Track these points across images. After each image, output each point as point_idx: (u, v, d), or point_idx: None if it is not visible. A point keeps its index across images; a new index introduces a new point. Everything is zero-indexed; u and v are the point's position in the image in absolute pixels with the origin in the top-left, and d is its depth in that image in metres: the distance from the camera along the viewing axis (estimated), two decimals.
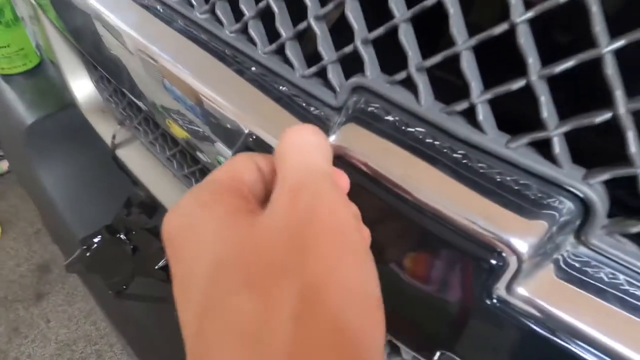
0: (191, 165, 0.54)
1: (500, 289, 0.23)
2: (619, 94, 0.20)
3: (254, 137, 0.31)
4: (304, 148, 0.22)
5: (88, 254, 0.57)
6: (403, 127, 0.26)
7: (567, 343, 0.22)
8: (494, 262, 0.22)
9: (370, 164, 0.25)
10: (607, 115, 0.21)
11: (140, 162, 0.61)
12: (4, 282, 1.62)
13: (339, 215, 0.20)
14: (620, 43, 0.19)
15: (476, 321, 0.24)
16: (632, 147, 0.21)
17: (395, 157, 0.25)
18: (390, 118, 0.27)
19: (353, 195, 0.24)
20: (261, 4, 0.32)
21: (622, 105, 0.20)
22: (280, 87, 0.32)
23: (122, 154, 0.62)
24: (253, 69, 0.34)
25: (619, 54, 0.20)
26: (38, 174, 0.69)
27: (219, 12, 0.35)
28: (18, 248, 1.71)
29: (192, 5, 0.38)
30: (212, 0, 0.36)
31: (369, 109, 0.27)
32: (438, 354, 0.27)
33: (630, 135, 0.20)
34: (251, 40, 0.34)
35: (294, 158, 0.22)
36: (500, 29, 0.22)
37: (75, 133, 0.72)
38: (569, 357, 0.22)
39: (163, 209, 0.58)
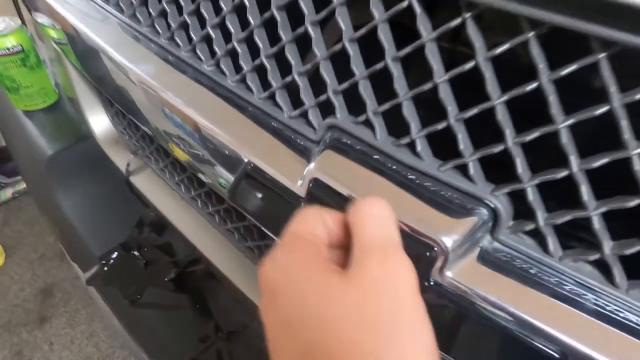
0: (197, 189, 0.63)
1: (434, 273, 0.31)
2: (508, 132, 0.29)
3: (252, 165, 0.40)
4: (381, 220, 0.26)
5: (106, 269, 0.65)
6: (365, 155, 0.35)
7: (483, 311, 0.30)
8: (428, 253, 0.31)
9: (340, 183, 0.34)
10: (501, 147, 0.30)
11: (152, 187, 0.70)
12: (8, 306, 1.66)
13: (415, 294, 0.24)
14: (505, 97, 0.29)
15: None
16: (519, 169, 0.29)
17: (359, 175, 0.34)
18: (356, 148, 0.36)
19: (327, 204, 0.33)
20: (256, 62, 0.41)
21: (510, 139, 0.29)
22: (273, 124, 0.41)
23: (135, 180, 0.71)
24: (250, 109, 0.43)
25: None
26: (58, 200, 0.77)
27: (222, 66, 0.45)
28: (22, 273, 1.76)
29: (200, 59, 0.47)
30: (217, 56, 0.45)
31: (341, 141, 0.36)
32: None
33: (519, 162, 0.29)
34: (249, 88, 0.43)
35: (374, 228, 0.26)
36: (427, 86, 0.31)
37: (91, 163, 0.81)
38: (486, 320, 0.30)
39: (171, 227, 0.66)
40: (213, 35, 0.45)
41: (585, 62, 0.25)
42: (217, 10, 0.43)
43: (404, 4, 0.30)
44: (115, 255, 0.66)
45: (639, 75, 0.24)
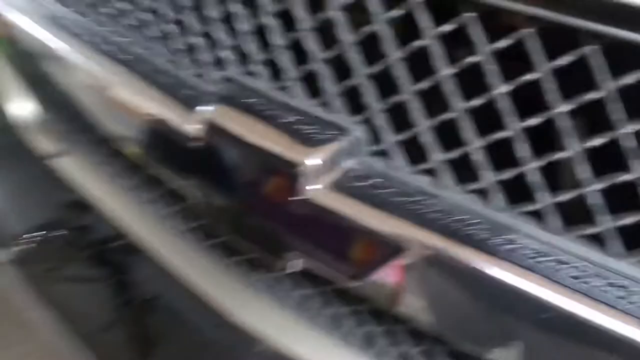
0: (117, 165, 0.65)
1: (303, 189, 0.37)
2: (357, 68, 0.36)
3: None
4: None
5: (27, 247, 0.65)
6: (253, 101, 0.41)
7: (339, 217, 0.36)
8: (297, 170, 0.36)
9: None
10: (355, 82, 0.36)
11: (75, 169, 0.72)
12: None
13: None
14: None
15: (296, 213, 0.38)
16: (369, 98, 0.36)
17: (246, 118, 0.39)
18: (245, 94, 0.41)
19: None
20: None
21: (361, 75, 0.36)
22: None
23: (58, 164, 0.72)
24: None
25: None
26: None
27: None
28: None
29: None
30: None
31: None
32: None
33: (369, 93, 0.36)
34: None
35: None
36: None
37: (4, 152, 0.81)
38: (341, 225, 0.36)
39: (94, 206, 0.68)
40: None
41: None
42: None
43: None
44: (36, 234, 0.66)
45: None
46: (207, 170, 0.43)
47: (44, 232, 0.68)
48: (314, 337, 0.52)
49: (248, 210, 0.42)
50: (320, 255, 0.39)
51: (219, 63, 0.44)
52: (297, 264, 0.42)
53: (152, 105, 0.46)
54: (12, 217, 0.73)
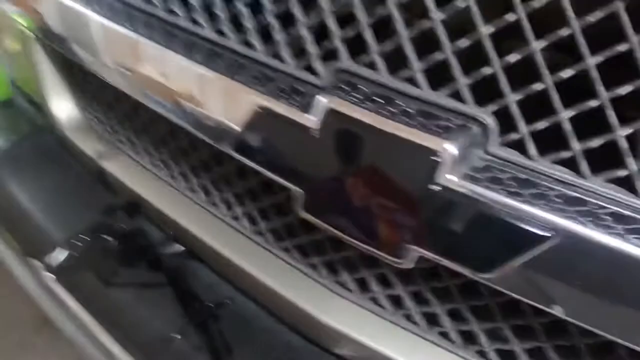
0: (179, 165, 0.63)
1: (441, 177, 0.36)
2: (494, 59, 0.36)
3: (263, 108, 0.44)
4: None
5: (76, 254, 0.62)
6: (373, 91, 0.40)
7: (472, 206, 0.35)
8: (435, 158, 0.36)
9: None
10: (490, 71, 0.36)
11: (126, 170, 0.69)
12: None
13: None
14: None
15: (425, 204, 0.37)
16: (504, 87, 0.36)
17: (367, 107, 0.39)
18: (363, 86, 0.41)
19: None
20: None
21: (497, 64, 0.36)
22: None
23: (108, 165, 0.70)
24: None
25: None
26: (11, 191, 0.72)
27: (225, 29, 0.49)
28: None
29: (202, 26, 0.51)
30: (219, 21, 0.49)
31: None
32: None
33: (503, 82, 0.36)
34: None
35: None
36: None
37: (49, 154, 0.78)
38: (479, 216, 0.35)
39: (148, 207, 0.65)
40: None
41: None
42: None
43: None
44: (84, 239, 0.63)
45: None
46: (320, 163, 0.42)
47: (94, 236, 0.65)
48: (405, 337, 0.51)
49: (367, 203, 0.41)
50: (449, 249, 0.39)
51: (329, 56, 0.44)
52: (415, 258, 0.41)
53: (251, 95, 0.45)
54: (60, 221, 0.69)
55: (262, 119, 0.45)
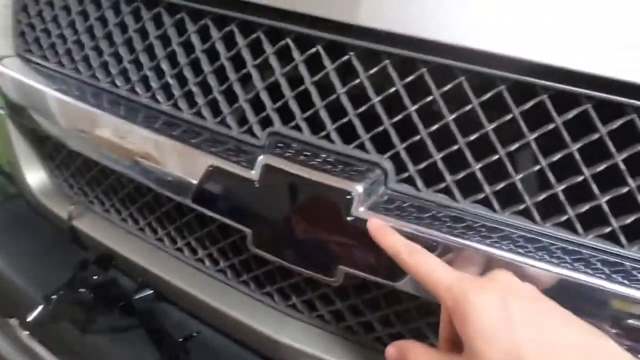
0: (145, 218, 0.72)
1: (354, 210, 0.48)
2: (385, 120, 0.49)
3: (213, 167, 0.55)
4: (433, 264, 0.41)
5: (51, 307, 0.68)
6: (298, 149, 0.52)
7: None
8: (348, 197, 0.48)
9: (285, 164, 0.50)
10: (381, 128, 0.49)
11: (97, 227, 0.77)
12: None
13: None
14: None
15: (345, 232, 0.48)
16: (394, 138, 0.49)
17: (295, 160, 0.51)
18: (291, 145, 0.53)
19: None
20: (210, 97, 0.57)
21: (387, 123, 0.49)
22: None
23: (79, 224, 0.77)
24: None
25: None
26: None
27: (180, 104, 0.60)
28: None
29: (158, 101, 0.62)
30: (175, 97, 0.60)
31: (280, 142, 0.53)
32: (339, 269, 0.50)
33: (393, 135, 0.49)
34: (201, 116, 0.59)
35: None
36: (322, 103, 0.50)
37: (21, 219, 0.84)
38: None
39: (121, 259, 0.73)
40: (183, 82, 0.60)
41: None
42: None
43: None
44: (60, 293, 0.69)
45: None
46: (262, 207, 0.53)
47: (69, 289, 0.71)
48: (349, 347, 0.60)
49: (301, 235, 0.52)
50: (365, 264, 0.50)
51: (263, 122, 0.56)
52: (342, 274, 0.52)
53: (205, 156, 0.56)
54: (36, 280, 0.75)
55: (215, 175, 0.55)
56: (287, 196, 0.51)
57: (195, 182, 0.57)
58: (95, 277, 0.74)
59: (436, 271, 0.40)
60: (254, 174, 0.52)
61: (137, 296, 0.73)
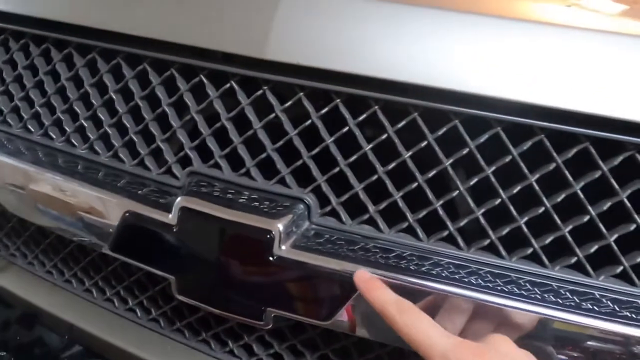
0: (71, 269, 0.67)
1: (276, 249, 0.46)
2: (303, 153, 0.48)
3: (129, 212, 0.51)
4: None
5: None
6: (217, 187, 0.50)
7: (303, 268, 0.45)
8: (269, 236, 0.45)
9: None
10: (300, 162, 0.48)
11: (18, 282, 0.71)
12: None
13: None
14: None
15: (269, 273, 0.46)
16: (314, 172, 0.48)
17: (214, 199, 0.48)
18: (211, 184, 0.50)
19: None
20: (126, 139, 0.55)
21: (305, 156, 0.48)
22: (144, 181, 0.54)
23: (0, 280, 0.71)
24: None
25: None
26: None
27: (96, 147, 0.57)
28: None
29: (74, 145, 0.58)
30: (90, 141, 0.57)
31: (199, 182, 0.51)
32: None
33: (313, 170, 0.48)
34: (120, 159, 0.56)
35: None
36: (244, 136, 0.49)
37: None
38: (309, 275, 0.45)
39: (45, 315, 0.68)
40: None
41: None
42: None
43: None
44: None
45: None
46: (183, 251, 0.50)
47: None
48: None
49: (224, 279, 0.49)
50: (294, 305, 0.47)
51: (182, 161, 0.53)
52: (272, 317, 0.49)
53: (120, 201, 0.53)
54: None
55: (132, 220, 0.52)
56: (207, 239, 0.49)
57: (112, 229, 0.53)
58: (17, 338, 0.68)
59: (431, 335, 0.37)
60: (171, 217, 0.49)
61: (65, 354, 0.67)
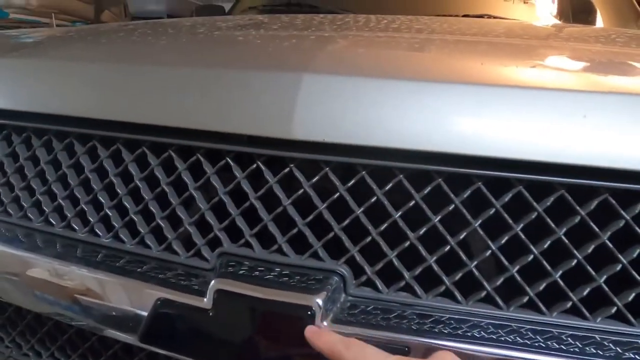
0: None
1: (318, 325, 0.45)
2: (334, 225, 0.49)
3: (162, 300, 0.51)
4: None
5: None
6: (250, 266, 0.50)
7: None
8: (309, 312, 0.45)
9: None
10: (331, 235, 0.49)
11: None
12: None
13: None
14: None
15: (312, 351, 0.45)
16: (346, 243, 0.48)
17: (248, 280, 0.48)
18: (243, 263, 0.50)
19: None
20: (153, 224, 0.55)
21: (336, 229, 0.49)
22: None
23: None
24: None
25: None
26: None
27: (121, 235, 0.57)
28: None
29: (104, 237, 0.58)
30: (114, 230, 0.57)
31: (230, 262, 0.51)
32: None
33: (345, 241, 0.48)
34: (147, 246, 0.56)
35: None
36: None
37: None
38: None
39: None
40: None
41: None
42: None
43: None
44: None
45: None
46: (219, 337, 0.49)
47: None
48: None
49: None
50: None
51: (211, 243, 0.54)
52: None
53: (150, 289, 0.52)
54: None
55: (164, 308, 0.51)
56: (246, 321, 0.48)
57: (143, 317, 0.52)
58: None
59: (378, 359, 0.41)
60: (206, 301, 0.49)
61: None
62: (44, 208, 0.63)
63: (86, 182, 0.61)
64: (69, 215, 0.62)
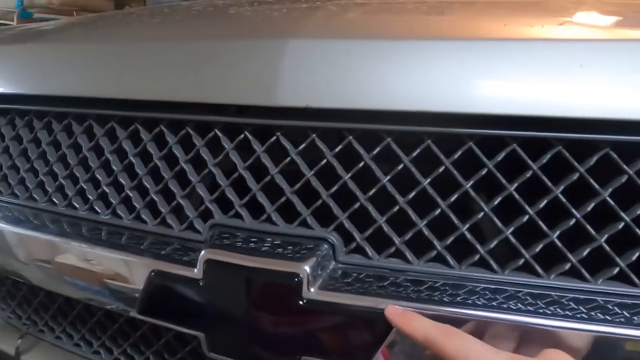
0: (99, 339, 0.66)
1: (305, 292, 0.45)
2: (322, 192, 0.48)
3: (156, 271, 0.51)
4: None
5: None
6: (241, 236, 0.50)
7: (334, 310, 0.44)
8: (297, 280, 0.45)
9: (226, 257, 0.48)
10: (320, 202, 0.48)
11: (47, 357, 0.70)
12: None
13: None
14: None
15: (301, 318, 0.45)
16: (334, 210, 0.47)
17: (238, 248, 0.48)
18: (235, 234, 0.50)
19: None
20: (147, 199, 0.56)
21: (324, 195, 0.48)
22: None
23: (29, 357, 0.70)
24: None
25: None
26: None
27: (119, 212, 0.58)
28: None
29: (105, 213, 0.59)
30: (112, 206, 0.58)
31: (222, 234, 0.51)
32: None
33: (333, 207, 0.48)
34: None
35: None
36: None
37: None
38: (342, 317, 0.43)
39: None
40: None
41: None
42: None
43: None
44: None
45: None
46: (210, 306, 0.49)
47: None
48: None
49: (255, 330, 0.48)
50: (328, 349, 0.45)
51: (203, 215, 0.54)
52: None
53: (145, 262, 0.53)
54: None
55: (157, 280, 0.52)
56: (234, 290, 0.48)
57: (138, 291, 0.53)
58: None
59: (486, 356, 0.36)
60: (196, 272, 0.49)
61: None
62: (47, 188, 0.65)
63: (85, 161, 0.62)
64: (69, 194, 0.63)
